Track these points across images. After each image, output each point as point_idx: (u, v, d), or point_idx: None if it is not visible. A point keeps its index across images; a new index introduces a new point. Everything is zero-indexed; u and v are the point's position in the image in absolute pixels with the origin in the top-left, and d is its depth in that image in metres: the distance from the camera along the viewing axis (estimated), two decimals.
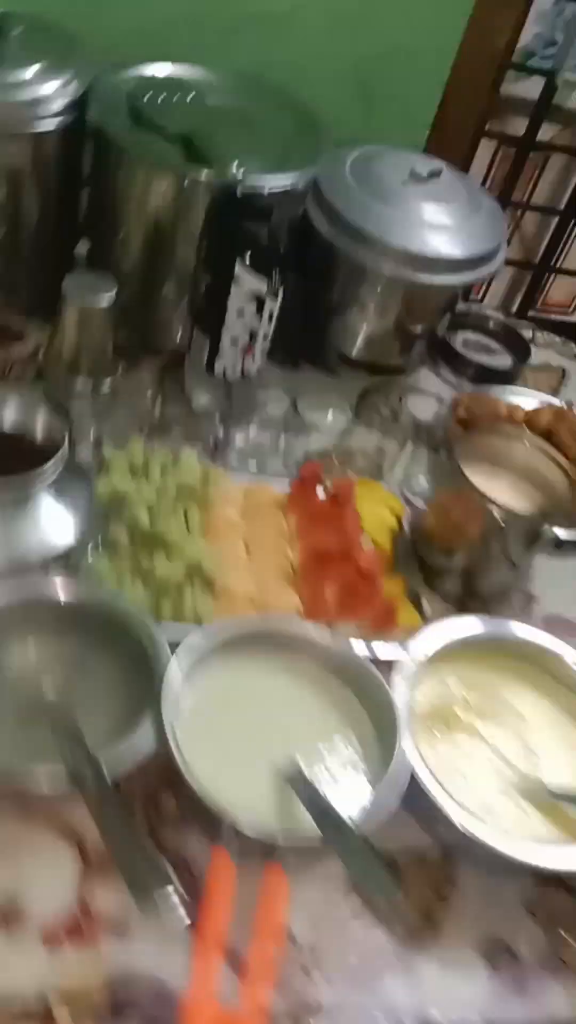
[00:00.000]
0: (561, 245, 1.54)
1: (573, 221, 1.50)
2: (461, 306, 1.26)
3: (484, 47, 1.17)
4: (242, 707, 0.65)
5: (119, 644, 0.65)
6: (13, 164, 0.89)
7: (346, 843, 0.55)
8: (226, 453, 0.92)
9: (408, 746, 0.62)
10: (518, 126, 1.38)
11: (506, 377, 1.14)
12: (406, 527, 0.89)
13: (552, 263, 1.55)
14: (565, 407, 1.05)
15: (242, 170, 0.85)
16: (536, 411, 1.02)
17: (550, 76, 1.28)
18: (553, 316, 1.58)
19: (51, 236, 0.97)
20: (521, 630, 0.74)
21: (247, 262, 0.83)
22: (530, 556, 0.84)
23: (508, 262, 1.57)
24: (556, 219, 1.49)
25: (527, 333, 1.23)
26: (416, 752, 0.63)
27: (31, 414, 0.75)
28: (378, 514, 0.88)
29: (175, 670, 0.62)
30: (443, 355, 1.15)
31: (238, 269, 0.83)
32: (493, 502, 0.78)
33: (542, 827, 0.63)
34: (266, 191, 0.86)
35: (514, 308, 1.46)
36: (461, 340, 1.19)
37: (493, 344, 1.21)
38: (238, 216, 0.83)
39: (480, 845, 0.59)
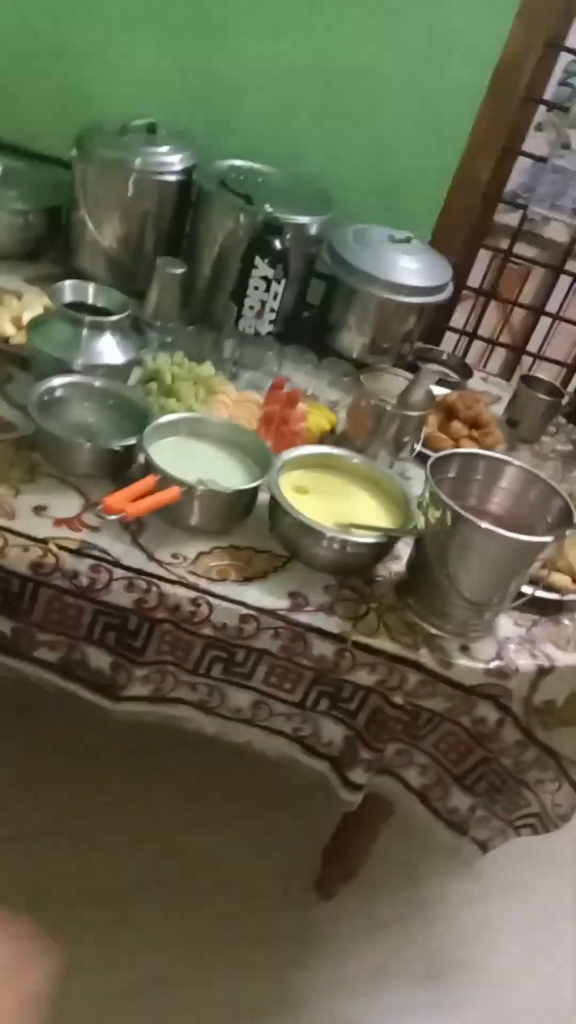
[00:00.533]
0: (545, 336, 2.05)
1: (551, 321, 2.01)
2: (434, 348, 1.79)
3: (471, 183, 1.76)
4: (186, 453, 1.16)
5: (129, 411, 1.18)
6: (149, 196, 1.52)
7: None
8: (237, 380, 1.45)
9: (276, 490, 1.10)
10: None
11: (453, 387, 1.64)
12: (337, 431, 1.39)
13: (537, 350, 2.06)
14: (464, 390, 1.54)
15: (270, 208, 1.44)
16: (448, 394, 1.52)
17: (524, 210, 1.85)
18: None
19: (163, 245, 1.58)
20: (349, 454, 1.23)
21: (263, 257, 1.40)
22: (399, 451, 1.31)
23: (499, 344, 2.11)
24: (537, 317, 2.00)
25: (479, 372, 1.73)
26: (281, 493, 1.10)
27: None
28: (319, 420, 1.38)
29: (155, 423, 1.14)
30: (411, 370, 1.66)
31: (257, 260, 1.40)
32: (379, 400, 1.27)
33: None
34: (281, 221, 1.44)
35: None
36: (429, 367, 1.69)
37: (451, 373, 1.71)
38: (262, 231, 1.41)
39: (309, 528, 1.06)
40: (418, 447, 1.36)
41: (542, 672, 1.09)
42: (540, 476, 1.06)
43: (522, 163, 1.86)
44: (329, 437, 1.38)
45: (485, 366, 2.13)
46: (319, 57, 1.63)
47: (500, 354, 2.17)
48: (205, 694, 1.11)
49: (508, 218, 1.92)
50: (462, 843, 1.21)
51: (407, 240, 1.57)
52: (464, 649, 1.07)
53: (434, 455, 1.06)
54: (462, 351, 2.04)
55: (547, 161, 1.85)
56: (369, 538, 1.08)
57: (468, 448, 1.38)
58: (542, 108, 1.86)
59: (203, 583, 1.04)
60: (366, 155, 1.71)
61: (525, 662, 1.08)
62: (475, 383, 1.70)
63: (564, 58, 1.82)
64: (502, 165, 1.80)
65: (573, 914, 1.75)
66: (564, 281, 1.96)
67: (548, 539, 0.98)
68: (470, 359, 2.02)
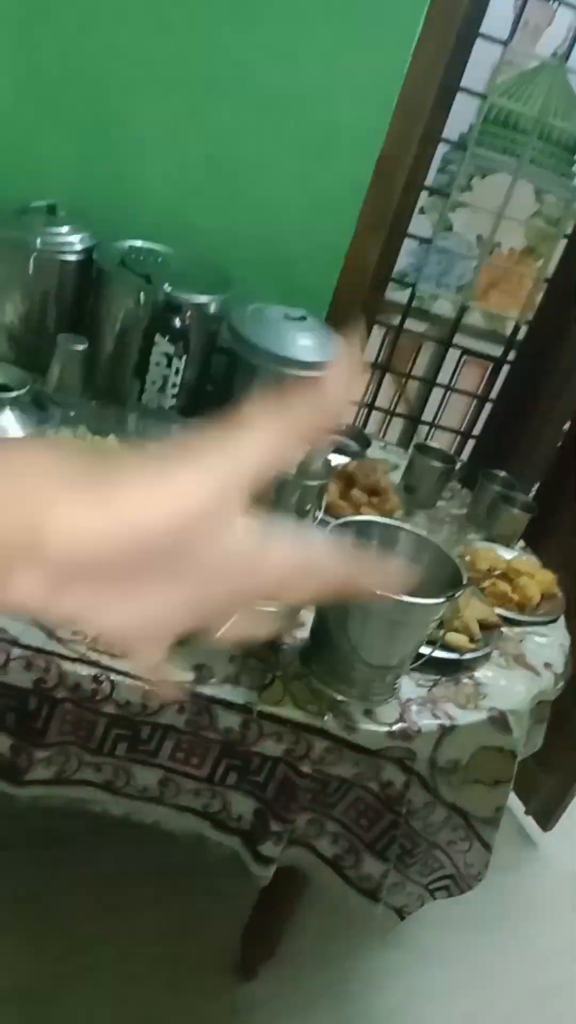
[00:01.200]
0: (438, 406, 2.15)
1: (444, 391, 2.11)
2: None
3: (362, 264, 1.86)
4: None
5: None
6: (49, 275, 1.55)
7: None
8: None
9: None
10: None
11: (353, 456, 1.69)
12: None
13: (432, 419, 2.15)
14: (363, 459, 1.59)
15: (169, 288, 1.48)
16: (347, 463, 1.57)
17: (412, 288, 1.95)
18: None
19: (65, 322, 1.60)
20: None
21: (164, 334, 1.43)
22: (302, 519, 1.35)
23: (396, 415, 2.20)
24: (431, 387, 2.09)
25: (377, 441, 1.80)
26: None
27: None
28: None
29: None
30: None
31: (157, 338, 1.43)
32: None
33: None
34: (181, 300, 1.48)
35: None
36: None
37: (349, 443, 1.77)
38: (163, 309, 1.45)
39: None
40: (320, 515, 1.39)
41: (444, 731, 1.11)
42: (432, 541, 1.10)
43: (409, 244, 1.97)
44: None
45: (385, 435, 2.21)
46: (213, 147, 1.71)
47: (399, 423, 2.25)
48: (110, 774, 1.09)
49: (398, 296, 2.02)
50: (376, 910, 1.20)
51: (302, 318, 1.64)
52: (368, 713, 1.08)
53: (333, 523, 1.09)
54: (362, 422, 2.12)
55: (431, 242, 1.96)
56: (272, 607, 1.10)
57: (367, 515, 1.43)
58: (424, 193, 1.99)
59: (105, 659, 1.03)
60: (260, 238, 1.78)
61: (427, 722, 1.10)
62: (374, 452, 1.76)
63: (443, 147, 1.96)
64: (390, 247, 1.91)
65: (497, 976, 1.75)
66: (453, 354, 2.07)
67: (440, 600, 1.01)
68: (370, 429, 2.09)
